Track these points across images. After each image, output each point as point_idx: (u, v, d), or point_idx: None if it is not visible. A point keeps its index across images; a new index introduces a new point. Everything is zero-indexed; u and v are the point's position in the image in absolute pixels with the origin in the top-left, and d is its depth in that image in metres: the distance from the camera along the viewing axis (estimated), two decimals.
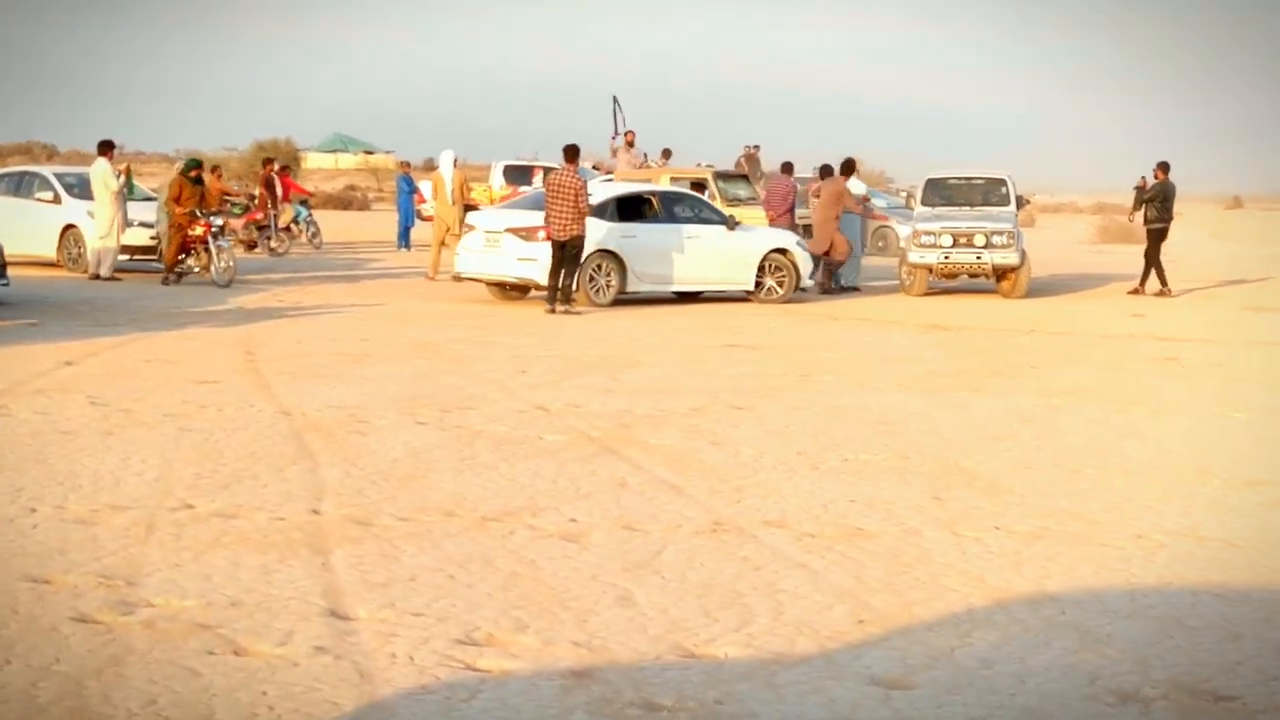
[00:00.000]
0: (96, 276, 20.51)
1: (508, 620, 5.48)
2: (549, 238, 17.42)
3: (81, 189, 22.22)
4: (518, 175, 32.25)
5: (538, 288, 18.16)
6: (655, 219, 19.01)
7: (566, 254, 17.39)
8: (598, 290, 18.33)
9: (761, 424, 9.84)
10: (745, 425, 9.78)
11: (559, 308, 17.34)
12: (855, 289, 21.58)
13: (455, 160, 23.34)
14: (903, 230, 29.03)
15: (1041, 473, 8.39)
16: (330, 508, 7.15)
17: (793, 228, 21.47)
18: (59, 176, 22.87)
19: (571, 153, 17.98)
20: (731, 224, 19.41)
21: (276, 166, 29.37)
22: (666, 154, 28.30)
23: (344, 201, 53.88)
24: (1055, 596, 5.92)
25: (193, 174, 20.52)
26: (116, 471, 7.81)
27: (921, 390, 11.61)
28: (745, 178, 25.55)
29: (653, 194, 19.45)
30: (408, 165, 34.42)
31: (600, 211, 18.33)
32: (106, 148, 20.68)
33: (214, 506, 7.11)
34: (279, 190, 28.34)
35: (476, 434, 9.17)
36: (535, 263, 17.81)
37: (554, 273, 17.47)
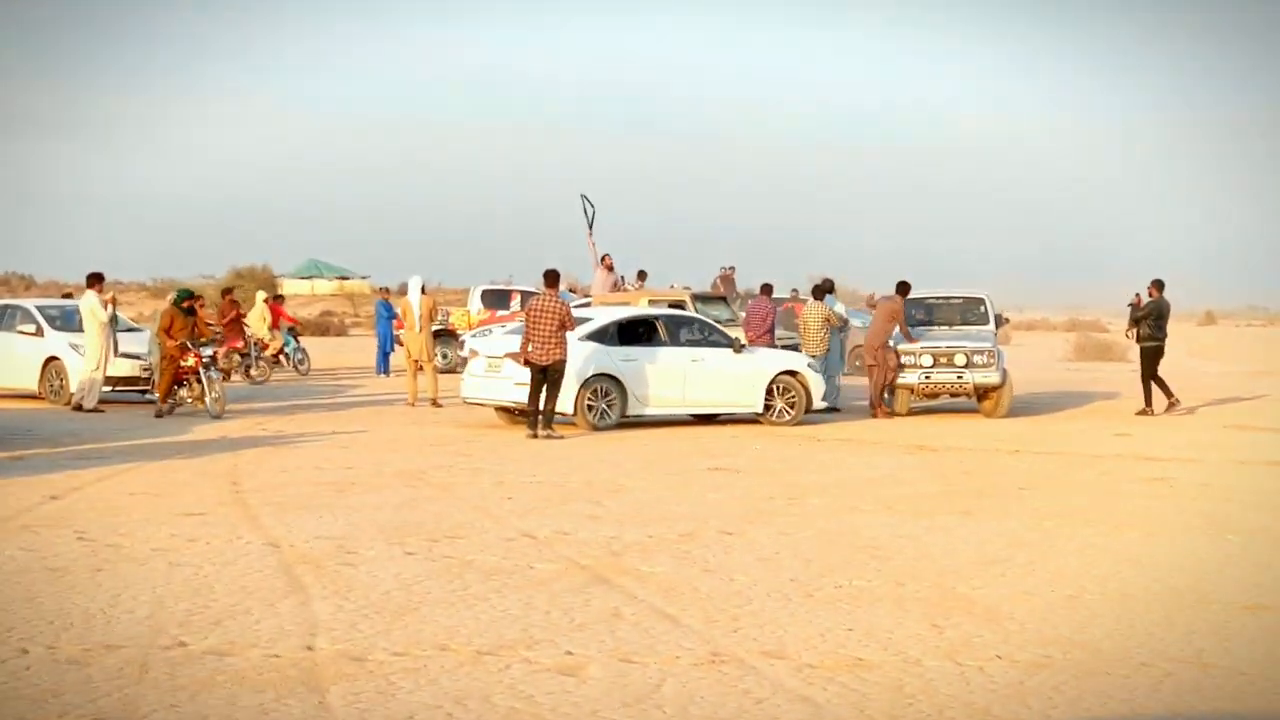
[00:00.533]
0: (79, 407, 20.41)
1: None
2: (527, 362, 17.59)
3: (64, 321, 22.34)
4: (496, 299, 32.38)
5: (541, 413, 18.21)
6: (658, 342, 19.16)
7: (548, 378, 17.49)
8: (598, 414, 18.41)
9: (752, 550, 9.80)
10: (736, 551, 9.73)
11: (540, 432, 17.38)
12: (835, 409, 21.63)
13: (424, 286, 23.54)
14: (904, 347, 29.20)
15: (1040, 598, 8.35)
16: (324, 643, 7.06)
17: (771, 349, 21.56)
18: (41, 309, 22.92)
19: (552, 278, 18.18)
20: (738, 346, 19.54)
21: (265, 295, 29.79)
22: (642, 276, 28.56)
23: (321, 327, 53.94)
24: None
25: (184, 305, 20.55)
26: (107, 609, 7.72)
27: (910, 513, 11.58)
28: (723, 299, 25.79)
29: (656, 318, 19.60)
30: (387, 291, 34.64)
31: (601, 336, 18.64)
32: (95, 280, 20.69)
33: (207, 644, 7.01)
34: (267, 317, 28.74)
35: (466, 564, 9.10)
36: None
37: (534, 397, 17.61)
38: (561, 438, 17.33)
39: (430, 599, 8.08)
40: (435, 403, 22.11)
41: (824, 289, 22.71)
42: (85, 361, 20.64)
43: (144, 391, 21.85)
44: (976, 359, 20.64)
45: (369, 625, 7.44)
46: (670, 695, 6.29)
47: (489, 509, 11.50)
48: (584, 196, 29.12)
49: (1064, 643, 7.29)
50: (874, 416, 20.76)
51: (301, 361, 29.56)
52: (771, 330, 22.49)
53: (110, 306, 20.67)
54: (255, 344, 28.23)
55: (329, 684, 6.35)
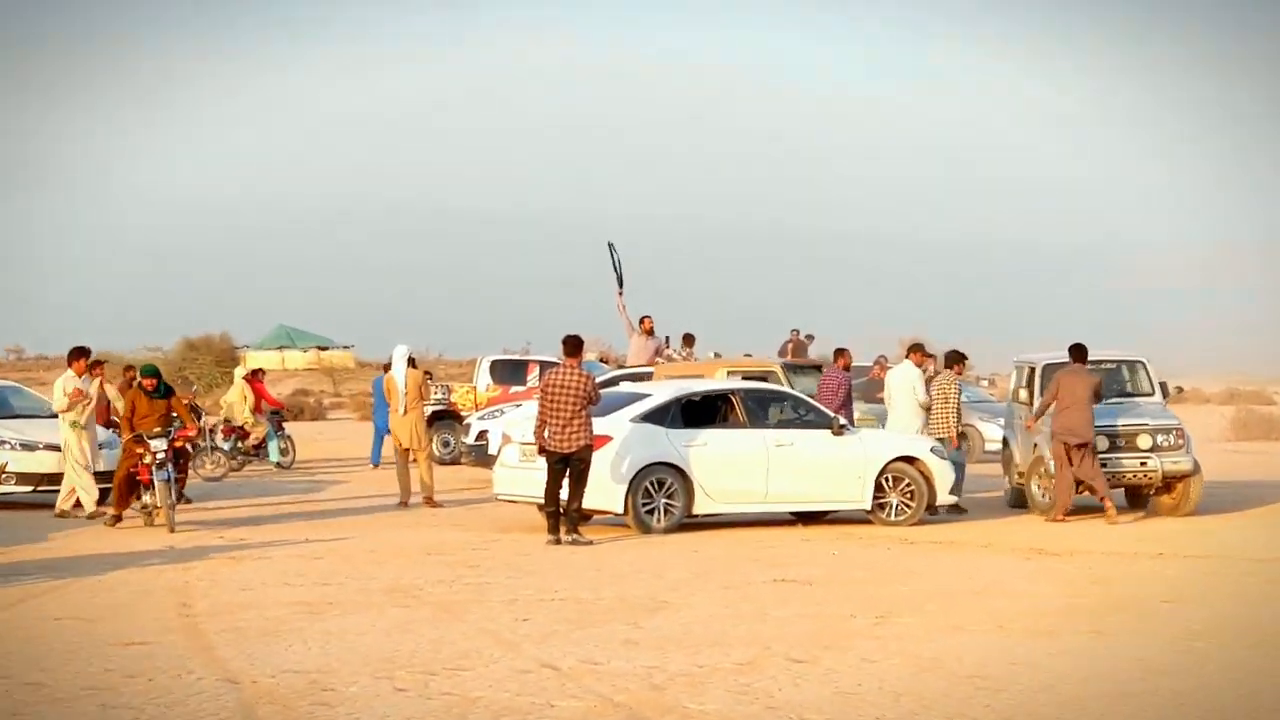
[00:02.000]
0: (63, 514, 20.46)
1: None
2: (543, 450, 17.69)
3: None
4: (509, 372, 32.48)
5: (595, 511, 18.53)
6: (733, 423, 19.25)
7: (571, 470, 17.58)
8: (655, 513, 18.45)
9: (829, 682, 9.74)
10: (809, 684, 9.68)
11: (564, 537, 17.44)
12: (961, 509, 21.20)
13: (413, 358, 23.57)
14: (989, 429, 29.04)
15: None
16: None
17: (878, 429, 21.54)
18: None
19: (573, 346, 18.08)
20: (838, 426, 19.47)
21: (245, 372, 30.52)
22: (689, 340, 28.49)
23: (292, 410, 54.16)
24: None
25: (148, 384, 19.74)
26: None
27: (1027, 633, 11.51)
28: (817, 368, 25.75)
29: (731, 392, 19.67)
30: (387, 367, 34.62)
31: (660, 415, 18.76)
32: (78, 355, 20.84)
33: None
34: (249, 397, 29.15)
35: (471, 702, 9.09)
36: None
37: (553, 493, 17.67)
38: (590, 543, 17.35)
39: None
40: (431, 501, 22.13)
41: (956, 359, 22.29)
42: (65, 459, 20.66)
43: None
44: (1163, 440, 20.31)
45: None
46: None
47: (500, 633, 11.49)
48: (610, 245, 29.22)
49: None
50: (1055, 520, 19.94)
51: (286, 452, 29.85)
52: (847, 405, 22.44)
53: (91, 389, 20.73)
54: (232, 434, 28.71)
55: None
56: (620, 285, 28.90)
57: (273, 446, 29.56)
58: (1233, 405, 55.24)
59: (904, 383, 21.81)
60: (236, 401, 29.34)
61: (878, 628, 11.84)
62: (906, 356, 22.71)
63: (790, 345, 34.55)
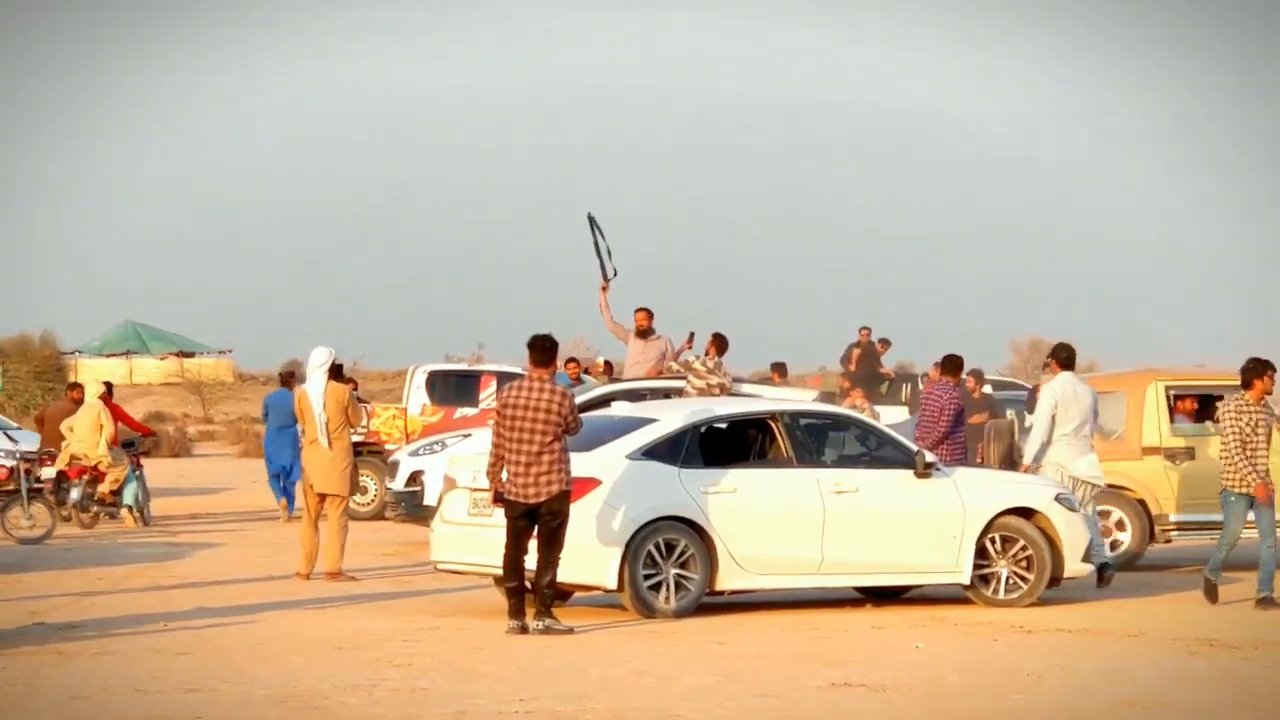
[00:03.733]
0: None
1: None
2: (500, 500, 17.50)
3: None
4: (453, 388, 32.47)
5: (578, 587, 18.50)
6: (774, 460, 19.20)
7: (540, 528, 17.42)
8: (662, 589, 18.27)
9: None
10: None
11: (533, 622, 17.31)
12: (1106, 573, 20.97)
13: (338, 365, 23.04)
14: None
15: None
16: None
17: (959, 460, 21.37)
18: None
19: (543, 351, 17.74)
20: (923, 466, 19.23)
21: (101, 389, 30.79)
22: (720, 344, 28.04)
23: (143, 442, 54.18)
24: None
25: None
26: None
27: None
28: (891, 380, 25.71)
29: (774, 416, 19.49)
30: (290, 378, 34.41)
31: (671, 450, 18.62)
32: None
33: None
34: (107, 426, 29.17)
35: None
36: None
37: (515, 562, 17.49)
38: (570, 630, 17.28)
39: None
40: (335, 575, 21.71)
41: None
42: None
43: None
44: None
45: None
46: None
47: None
48: (591, 219, 28.65)
49: None
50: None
51: (146, 500, 30.07)
52: (953, 433, 22.27)
53: None
54: (82, 476, 28.87)
55: None
56: (605, 274, 28.39)
57: (130, 491, 29.61)
58: None
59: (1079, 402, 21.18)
60: (88, 431, 29.31)
61: None
62: (1052, 366, 21.91)
63: (857, 351, 34.37)
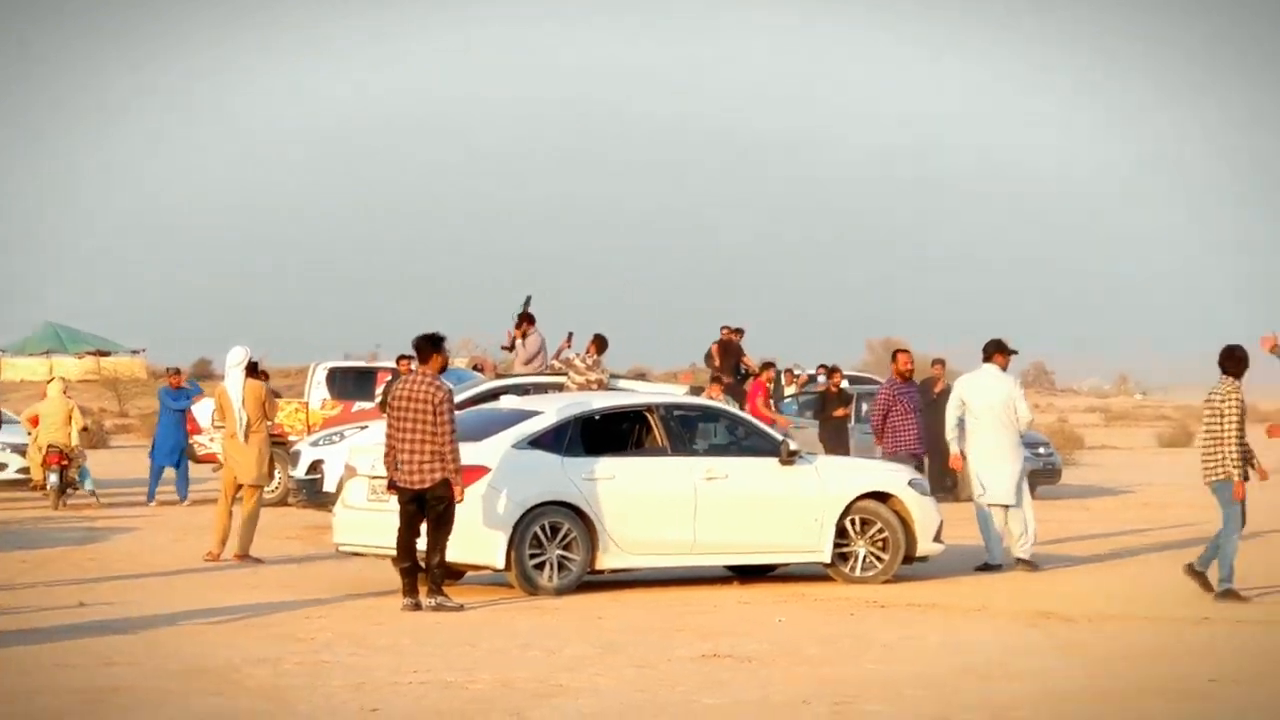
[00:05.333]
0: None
1: None
2: (393, 486, 17.65)
3: None
4: (352, 384, 32.44)
5: (468, 566, 18.57)
6: (650, 449, 19.32)
7: (428, 512, 17.51)
8: (546, 569, 18.40)
9: None
10: None
11: (425, 600, 17.39)
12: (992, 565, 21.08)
13: (254, 362, 23.05)
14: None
15: None
16: None
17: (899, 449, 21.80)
18: None
19: (428, 348, 17.88)
20: (788, 453, 19.43)
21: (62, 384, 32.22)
22: (600, 344, 28.21)
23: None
24: None
25: None
26: None
27: None
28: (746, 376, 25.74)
29: (649, 408, 19.70)
30: (176, 374, 34.60)
31: (554, 440, 18.76)
32: None
33: None
34: (78, 417, 30.90)
35: None
36: (456, 528, 17.83)
37: (406, 543, 17.56)
38: (460, 607, 17.31)
39: None
40: (243, 557, 21.83)
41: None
42: None
43: None
44: None
45: None
46: None
47: None
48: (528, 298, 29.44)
49: None
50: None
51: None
52: (890, 424, 22.44)
53: None
54: (58, 462, 30.18)
55: None
56: (520, 322, 28.99)
57: (88, 476, 31.14)
58: None
59: (999, 395, 21.30)
60: (62, 423, 30.46)
61: (837, 719, 11.82)
62: (989, 359, 21.60)
63: (715, 347, 34.41)
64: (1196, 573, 17.99)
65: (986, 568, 20.82)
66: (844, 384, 31.49)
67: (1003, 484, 20.83)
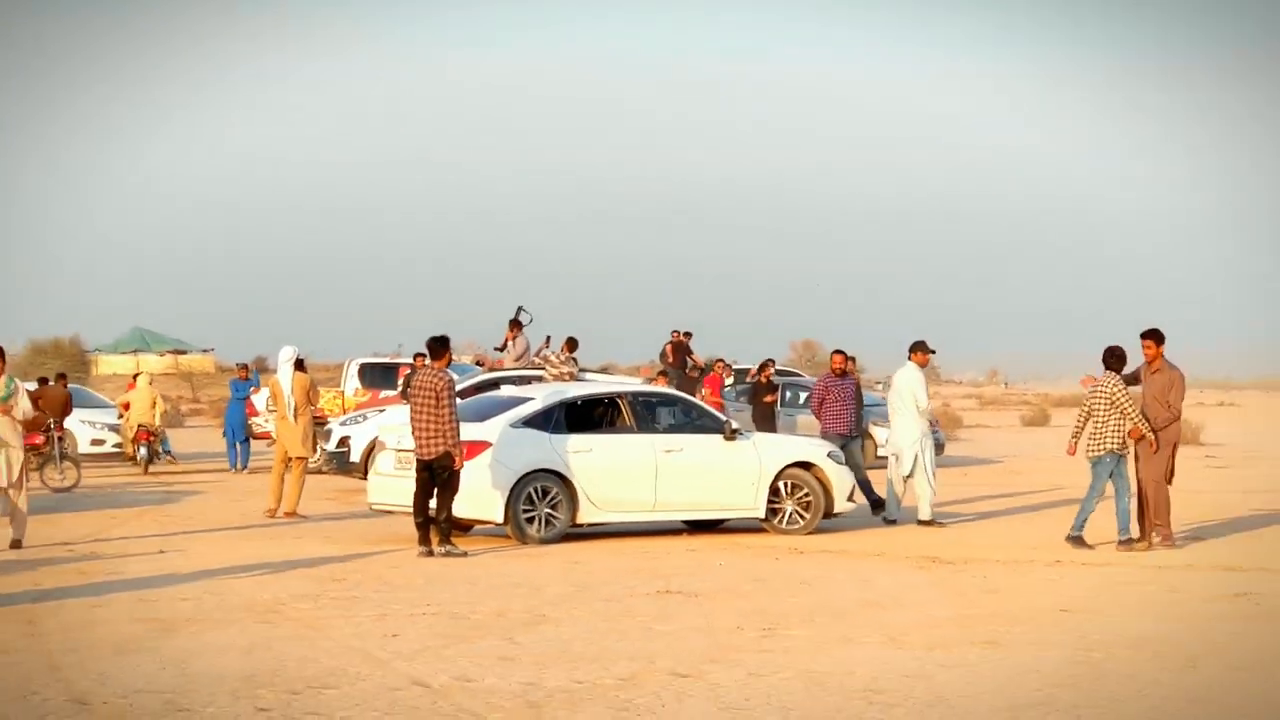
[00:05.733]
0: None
1: None
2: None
3: None
4: (379, 376, 32.41)
5: (475, 521, 18.60)
6: (620, 428, 19.30)
7: (436, 477, 17.51)
8: (535, 523, 18.41)
9: (714, 697, 9.77)
10: (694, 700, 9.70)
11: (437, 548, 17.35)
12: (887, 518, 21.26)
13: (300, 359, 23.10)
14: (883, 434, 29.29)
15: None
16: None
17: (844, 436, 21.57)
18: None
19: (437, 347, 18.02)
20: (730, 431, 19.52)
21: (149, 377, 33.74)
22: (572, 345, 28.31)
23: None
24: None
25: None
26: None
27: (921, 645, 11.60)
28: (703, 370, 25.63)
29: (619, 395, 19.75)
30: (245, 369, 34.84)
31: (542, 420, 18.73)
32: None
33: None
34: (159, 402, 32.52)
35: None
36: (464, 490, 17.87)
37: (420, 502, 17.60)
38: (464, 554, 17.28)
39: None
40: (292, 514, 21.89)
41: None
42: None
43: None
44: None
45: None
46: None
47: (368, 650, 11.44)
48: (520, 308, 29.50)
49: None
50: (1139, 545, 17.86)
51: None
52: (844, 411, 22.28)
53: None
54: (148, 439, 31.75)
55: None
56: (511, 327, 29.08)
57: (167, 440, 33.10)
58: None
59: (906, 387, 21.28)
60: (147, 407, 31.91)
61: (766, 640, 11.88)
62: (911, 356, 21.56)
63: (669, 346, 34.50)
64: (1075, 538, 17.89)
65: (889, 522, 20.92)
66: (772, 376, 31.46)
67: (907, 456, 20.91)
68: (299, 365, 22.75)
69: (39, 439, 27.46)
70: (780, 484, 19.59)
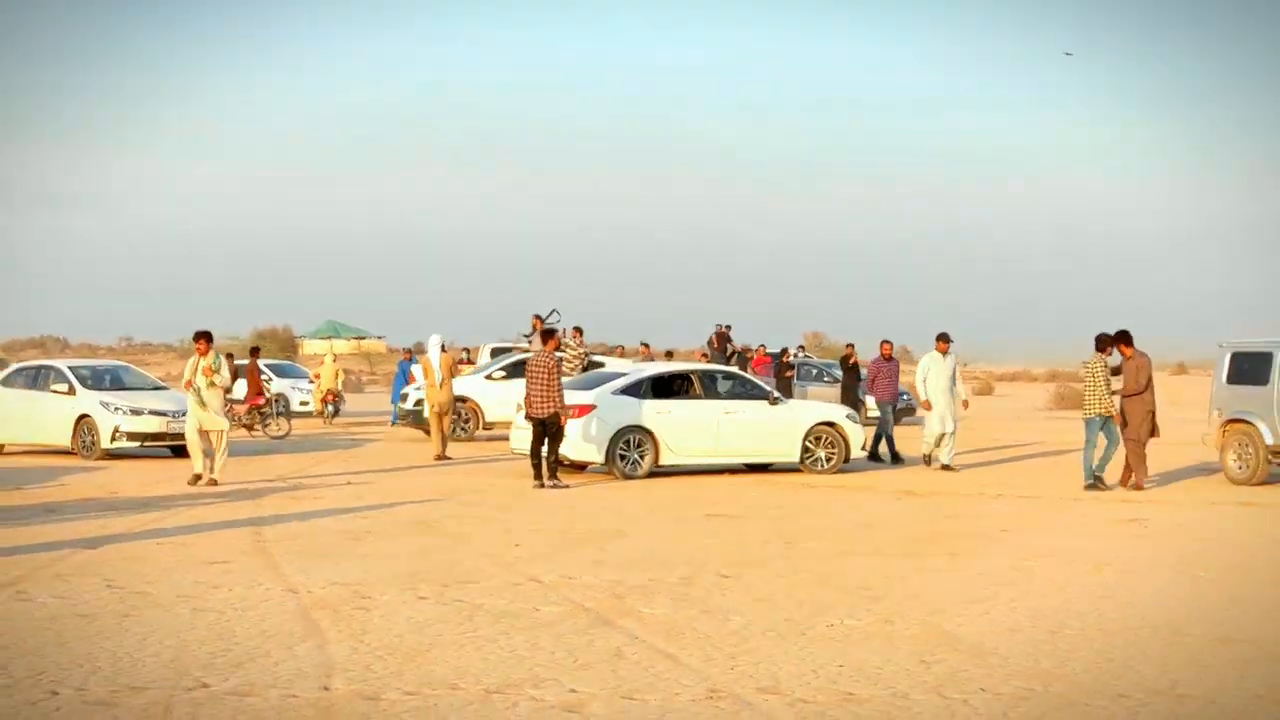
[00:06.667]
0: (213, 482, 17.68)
1: None
2: (529, 416, 17.76)
3: (94, 381, 22.58)
4: (505, 358, 32.39)
5: (586, 462, 18.72)
6: (692, 395, 19.19)
7: (547, 430, 17.61)
8: (631, 465, 18.50)
9: (748, 591, 9.77)
10: (733, 593, 9.70)
11: (547, 483, 17.39)
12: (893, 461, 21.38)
13: (443, 344, 23.33)
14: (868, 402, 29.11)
15: (1022, 634, 8.32)
16: (340, 684, 7.04)
17: (891, 402, 21.66)
18: (73, 369, 23.01)
19: (546, 335, 18.34)
20: (773, 399, 19.52)
21: (333, 355, 34.47)
22: (579, 332, 27.95)
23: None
24: None
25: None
26: (134, 653, 7.69)
27: (900, 555, 11.55)
28: (740, 355, 25.39)
29: (691, 372, 19.73)
30: (408, 351, 35.06)
31: (635, 389, 18.79)
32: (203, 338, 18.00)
33: (229, 685, 6.99)
34: (341, 374, 33.94)
35: (476, 607, 9.08)
36: (577, 440, 18.35)
37: (535, 449, 17.70)
38: (566, 487, 17.31)
39: (441, 641, 8.05)
40: (440, 456, 21.99)
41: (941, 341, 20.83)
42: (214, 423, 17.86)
43: (176, 448, 21.76)
44: None
45: (382, 666, 7.41)
46: None
47: (498, 556, 11.47)
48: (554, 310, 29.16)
49: (1045, 676, 7.27)
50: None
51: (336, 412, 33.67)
52: (889, 384, 22.04)
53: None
54: (333, 399, 32.99)
55: None
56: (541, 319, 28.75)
57: (340, 408, 33.79)
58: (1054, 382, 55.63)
59: (942, 372, 20.54)
60: (331, 377, 33.39)
61: (786, 551, 11.87)
62: (936, 347, 20.78)
63: (714, 337, 34.42)
64: (1097, 479, 17.30)
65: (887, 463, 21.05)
66: (793, 358, 31.55)
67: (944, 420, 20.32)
68: (442, 349, 22.98)
69: (260, 400, 27.73)
70: (811, 437, 19.53)
